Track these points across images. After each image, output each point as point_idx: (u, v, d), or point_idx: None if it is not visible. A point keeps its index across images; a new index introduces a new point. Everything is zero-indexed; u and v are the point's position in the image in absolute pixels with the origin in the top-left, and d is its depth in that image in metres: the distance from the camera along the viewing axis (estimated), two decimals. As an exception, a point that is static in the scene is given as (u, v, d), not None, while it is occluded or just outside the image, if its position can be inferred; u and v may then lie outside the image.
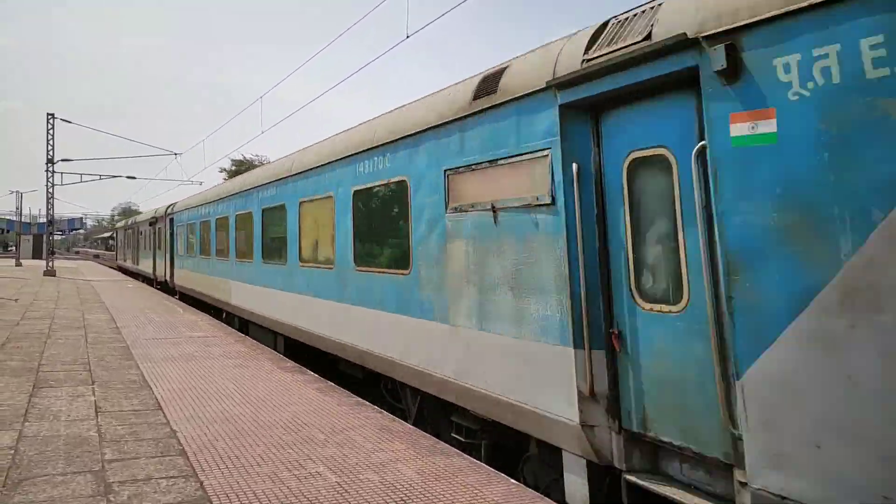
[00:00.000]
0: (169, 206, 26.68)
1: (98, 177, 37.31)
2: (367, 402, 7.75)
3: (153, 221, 29.57)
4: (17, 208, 60.21)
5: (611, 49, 4.64)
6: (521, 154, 5.36)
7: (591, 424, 4.68)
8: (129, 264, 41.32)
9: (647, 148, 4.52)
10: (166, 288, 26.21)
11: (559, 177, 4.95)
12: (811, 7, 3.34)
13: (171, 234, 25.10)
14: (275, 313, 12.10)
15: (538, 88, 5.21)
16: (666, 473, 4.48)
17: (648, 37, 4.36)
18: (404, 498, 4.63)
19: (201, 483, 4.85)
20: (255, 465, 5.28)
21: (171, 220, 25.03)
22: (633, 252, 4.61)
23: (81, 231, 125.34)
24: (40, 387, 8.03)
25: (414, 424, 7.08)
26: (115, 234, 57.28)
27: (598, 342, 4.74)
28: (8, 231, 74.26)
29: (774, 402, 3.51)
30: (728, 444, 3.88)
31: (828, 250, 3.28)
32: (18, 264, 46.40)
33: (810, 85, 3.39)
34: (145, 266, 32.91)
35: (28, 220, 70.51)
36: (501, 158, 5.60)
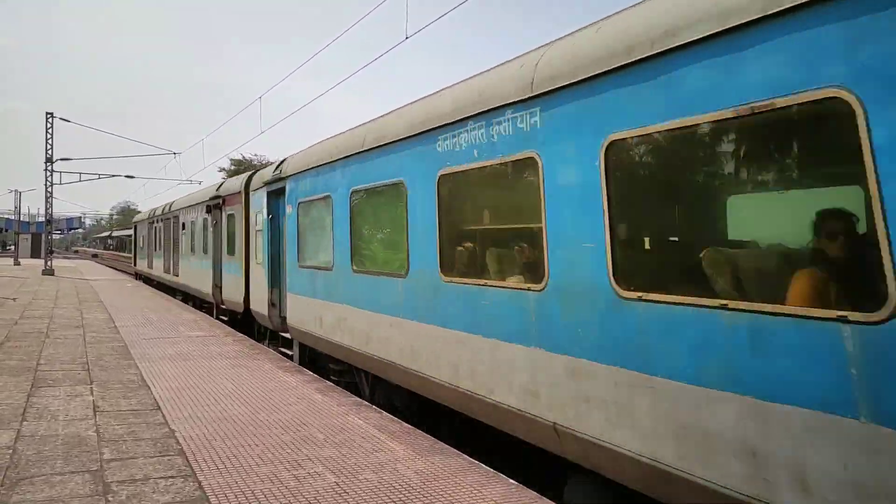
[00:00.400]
0: (267, 169, 13.80)
1: (97, 176, 37.25)
2: (367, 403, 7.74)
3: (214, 205, 17.49)
4: (15, 207, 60.18)
5: None
6: None
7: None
8: (158, 273, 27.77)
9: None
10: (246, 324, 14.93)
11: None
12: None
13: (275, 220, 12.54)
14: None
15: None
16: None
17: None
18: (403, 498, 4.62)
19: (200, 483, 4.84)
20: (254, 465, 5.27)
21: (277, 196, 12.30)
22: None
23: (80, 230, 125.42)
24: (38, 386, 8.02)
25: None
26: (133, 230, 40.48)
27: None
28: (6, 230, 74.24)
29: None
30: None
31: None
32: (17, 263, 46.38)
33: None
34: (193, 279, 20.34)
35: (27, 219, 70.48)
36: None
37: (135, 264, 37.57)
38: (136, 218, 39.05)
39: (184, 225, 22.10)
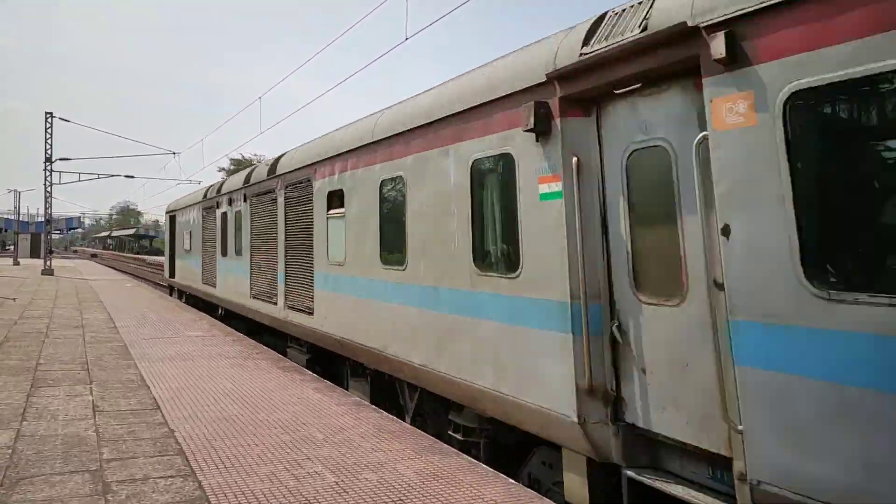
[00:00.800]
0: None
1: (96, 176, 37.25)
2: (366, 402, 7.75)
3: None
4: (14, 207, 60.17)
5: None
6: None
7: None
8: (233, 296, 15.09)
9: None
10: None
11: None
12: None
13: None
14: None
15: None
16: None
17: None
18: (402, 498, 4.63)
19: (199, 483, 4.85)
20: (254, 465, 5.28)
21: None
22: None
23: (79, 230, 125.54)
24: (38, 386, 8.02)
25: None
26: (167, 222, 25.55)
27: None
28: (6, 230, 74.19)
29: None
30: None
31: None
32: (16, 263, 46.38)
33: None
34: (396, 338, 7.51)
35: (26, 219, 70.46)
36: None
37: (171, 275, 24.03)
38: (176, 203, 23.75)
39: (343, 195, 9.18)
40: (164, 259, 27.35)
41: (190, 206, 20.73)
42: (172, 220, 23.96)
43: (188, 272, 20.72)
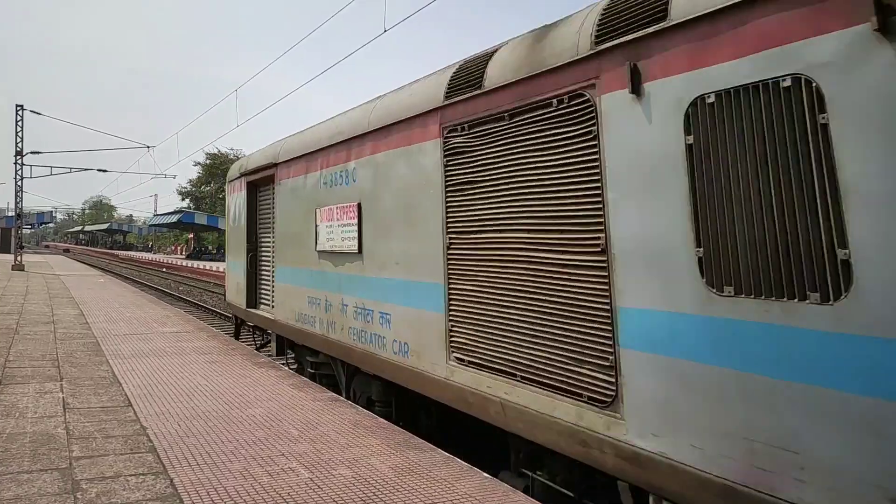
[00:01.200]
0: None
1: (69, 170, 36.54)
2: (342, 398, 7.73)
3: None
4: (-17, 201, 58.77)
5: None
6: None
7: None
8: None
9: None
10: None
11: None
12: None
13: None
14: None
15: None
16: None
17: None
18: (377, 493, 4.63)
19: (171, 480, 4.80)
20: (227, 462, 5.24)
21: None
22: None
23: (51, 225, 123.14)
24: (6, 383, 7.86)
25: None
26: (248, 186, 10.93)
27: None
28: (-26, 224, 72.43)
29: None
30: None
31: None
32: (-15, 258, 45.34)
33: None
34: None
35: (-5, 214, 68.87)
36: None
37: (253, 303, 11.57)
38: (278, 151, 9.88)
39: None
40: (225, 266, 14.19)
41: (361, 136, 7.43)
42: (255, 189, 11.41)
43: (344, 318, 8.01)
